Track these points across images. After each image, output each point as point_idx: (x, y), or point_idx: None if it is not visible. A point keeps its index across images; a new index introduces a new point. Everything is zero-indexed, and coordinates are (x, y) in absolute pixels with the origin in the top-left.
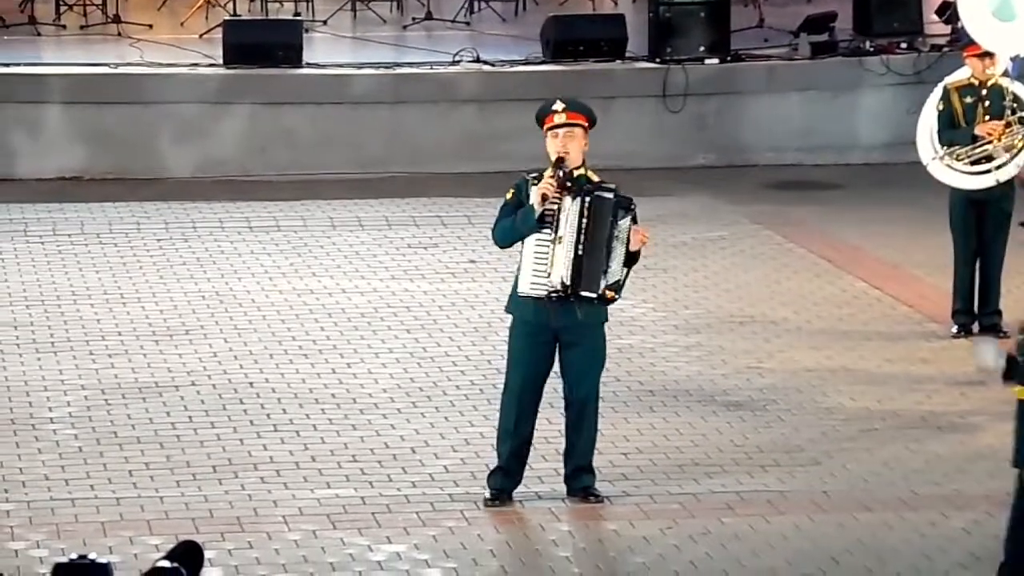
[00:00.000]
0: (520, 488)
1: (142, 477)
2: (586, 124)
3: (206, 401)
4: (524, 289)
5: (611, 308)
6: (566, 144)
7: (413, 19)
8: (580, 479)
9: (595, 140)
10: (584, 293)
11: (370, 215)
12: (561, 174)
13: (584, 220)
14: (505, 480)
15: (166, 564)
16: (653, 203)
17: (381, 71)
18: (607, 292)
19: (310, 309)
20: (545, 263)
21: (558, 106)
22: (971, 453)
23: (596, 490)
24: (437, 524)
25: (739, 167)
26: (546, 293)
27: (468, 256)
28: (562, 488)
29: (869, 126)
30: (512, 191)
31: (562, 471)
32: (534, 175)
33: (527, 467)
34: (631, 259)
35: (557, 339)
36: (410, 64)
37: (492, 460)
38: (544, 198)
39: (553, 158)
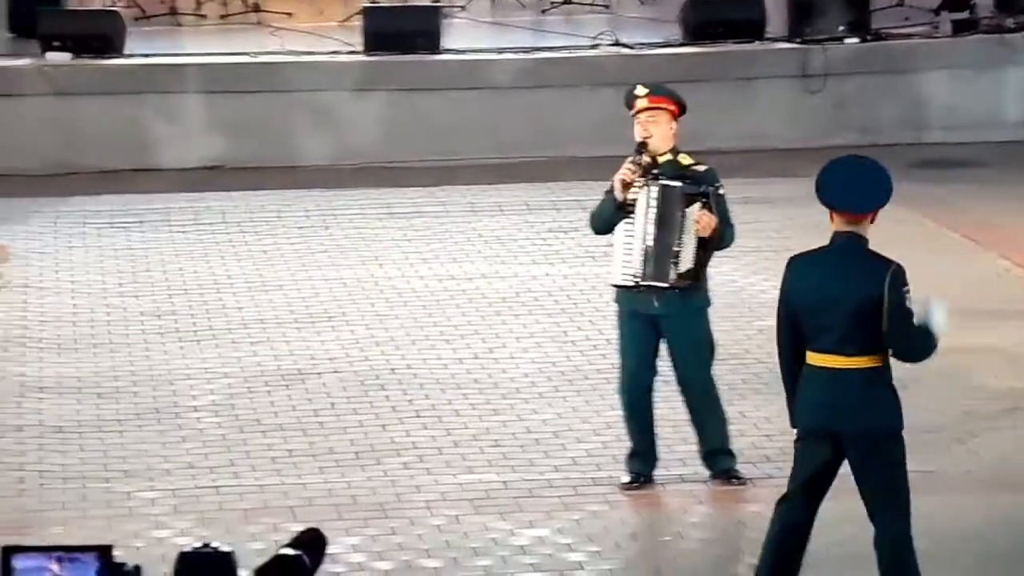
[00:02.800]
0: (664, 471)
1: (285, 464)
2: (672, 108)
3: (348, 388)
4: (616, 279)
5: (749, 289)
6: (648, 128)
7: (552, 3)
8: (719, 461)
9: (735, 121)
10: (653, 283)
11: (510, 200)
12: (642, 160)
13: (653, 210)
14: (640, 463)
15: (289, 552)
16: (793, 184)
17: (520, 56)
18: (679, 281)
19: (451, 295)
20: (631, 252)
21: (640, 91)
22: None
23: (738, 471)
24: (580, 508)
25: (880, 147)
26: (634, 283)
27: (608, 239)
28: (705, 471)
29: (1012, 103)
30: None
31: None
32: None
33: (669, 450)
34: (707, 245)
35: (656, 326)
36: (549, 48)
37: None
38: (625, 185)
39: (637, 141)
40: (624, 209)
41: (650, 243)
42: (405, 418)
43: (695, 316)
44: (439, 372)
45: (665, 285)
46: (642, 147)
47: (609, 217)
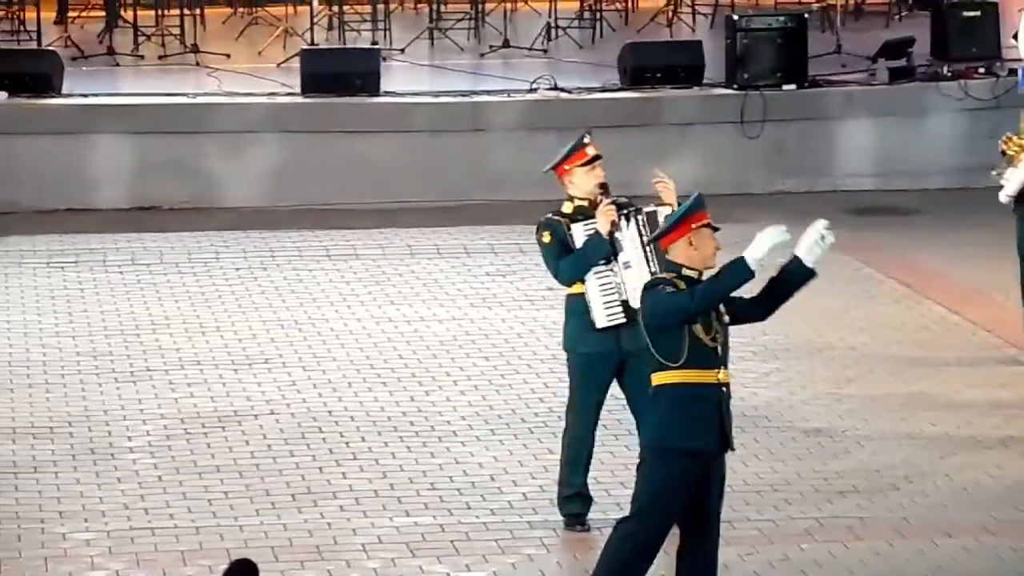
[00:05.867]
0: (600, 514)
1: (221, 506)
2: None
3: (285, 430)
4: (603, 322)
5: None
6: (602, 173)
7: (491, 47)
8: None
9: (672, 166)
10: None
11: (448, 243)
12: (618, 200)
13: (643, 238)
14: (583, 505)
15: None
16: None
17: (459, 99)
18: None
19: (388, 337)
20: (614, 292)
21: (588, 139)
22: None
23: None
24: (516, 551)
25: (817, 193)
26: (624, 319)
27: (546, 284)
28: None
29: (947, 151)
30: (548, 233)
31: None
32: (554, 215)
33: (607, 493)
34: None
35: (622, 364)
36: (488, 92)
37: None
38: (613, 224)
39: (596, 187)
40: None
41: (654, 270)
42: (342, 460)
43: None
44: (376, 415)
45: None
46: (606, 188)
47: (599, 258)
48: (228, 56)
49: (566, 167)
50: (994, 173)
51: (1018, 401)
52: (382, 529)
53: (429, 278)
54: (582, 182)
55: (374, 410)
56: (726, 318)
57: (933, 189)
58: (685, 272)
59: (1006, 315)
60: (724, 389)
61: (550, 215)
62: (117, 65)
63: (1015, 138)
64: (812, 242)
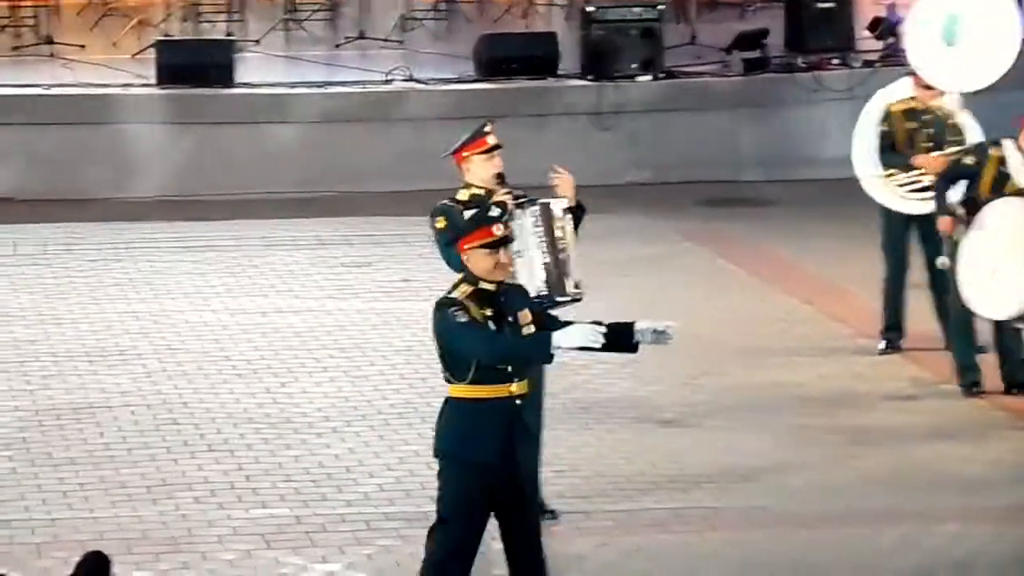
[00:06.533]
0: None
1: (76, 498)
2: None
3: (140, 422)
4: None
5: None
6: (500, 163)
7: (346, 38)
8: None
9: (528, 157)
10: (559, 299)
11: (304, 234)
12: (514, 192)
13: (541, 229)
14: None
15: None
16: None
17: (314, 90)
18: (576, 292)
19: (243, 329)
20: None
21: (489, 127)
22: (906, 468)
23: (547, 505)
24: (372, 543)
25: (672, 184)
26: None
27: (402, 275)
28: None
29: (801, 143)
30: (443, 218)
31: None
32: (449, 201)
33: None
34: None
35: None
36: (343, 83)
37: (426, 479)
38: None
39: (494, 176)
40: None
41: (547, 261)
42: (197, 452)
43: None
44: (231, 406)
45: (569, 298)
46: (502, 178)
47: None
48: (83, 47)
49: (464, 154)
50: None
51: (872, 391)
52: (237, 521)
53: (284, 269)
54: (480, 170)
55: (229, 402)
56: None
57: (787, 180)
58: (483, 286)
59: (859, 305)
60: (518, 402)
61: (445, 201)
62: None
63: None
64: (654, 334)
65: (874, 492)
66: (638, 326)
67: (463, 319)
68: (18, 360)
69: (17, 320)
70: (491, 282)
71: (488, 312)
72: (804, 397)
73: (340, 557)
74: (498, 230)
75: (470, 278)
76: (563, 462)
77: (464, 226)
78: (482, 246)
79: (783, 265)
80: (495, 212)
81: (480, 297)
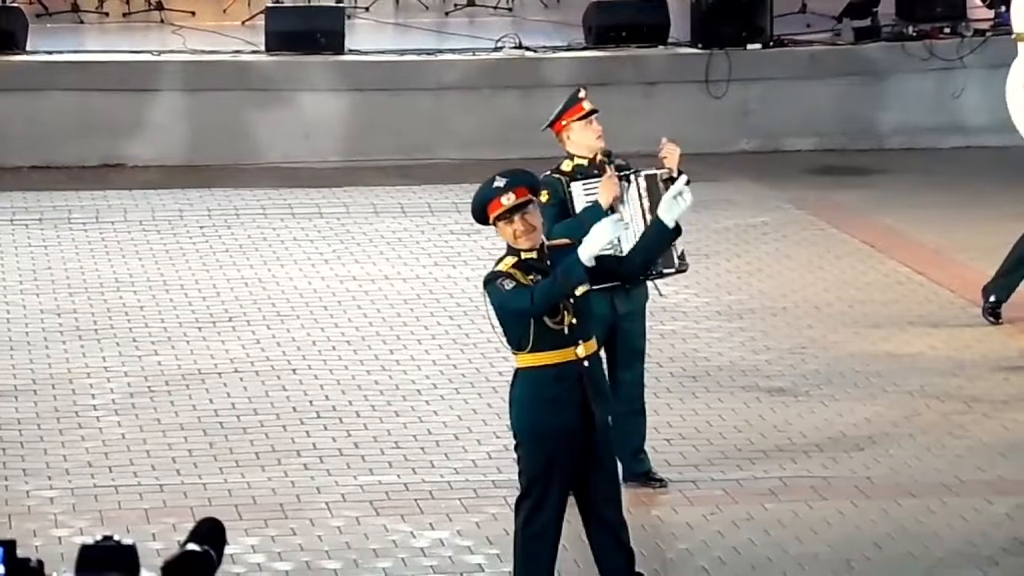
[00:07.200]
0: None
1: (185, 464)
2: None
3: (249, 388)
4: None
5: (654, 295)
6: (600, 127)
7: (456, 5)
8: (641, 463)
9: (638, 125)
10: (666, 270)
11: (413, 201)
12: (618, 163)
13: (643, 201)
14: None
15: (196, 548)
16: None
17: (423, 57)
18: (683, 263)
19: (353, 296)
20: (611, 252)
21: (583, 93)
22: (1015, 438)
23: (656, 473)
24: (480, 510)
25: (782, 152)
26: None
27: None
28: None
29: (912, 111)
30: (547, 191)
31: None
32: (553, 172)
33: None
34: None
35: (614, 328)
36: (452, 51)
37: None
38: (615, 199)
39: (598, 149)
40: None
41: None
42: (306, 419)
43: (643, 313)
44: (340, 373)
45: (673, 269)
46: (609, 154)
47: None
48: (193, 13)
49: (563, 122)
50: None
51: (981, 361)
52: (346, 488)
53: (393, 236)
54: (580, 137)
55: (338, 368)
56: (578, 292)
57: (898, 149)
58: (524, 256)
59: (970, 275)
60: (586, 363)
61: (549, 173)
62: (81, 23)
63: None
64: (671, 200)
65: (984, 463)
66: (662, 204)
67: (511, 285)
68: (128, 327)
69: (127, 287)
70: (528, 250)
71: (534, 278)
72: (914, 367)
73: (448, 524)
74: (507, 199)
75: (512, 250)
76: (672, 431)
77: (475, 206)
78: (498, 219)
79: (894, 234)
80: (500, 183)
81: (525, 267)
